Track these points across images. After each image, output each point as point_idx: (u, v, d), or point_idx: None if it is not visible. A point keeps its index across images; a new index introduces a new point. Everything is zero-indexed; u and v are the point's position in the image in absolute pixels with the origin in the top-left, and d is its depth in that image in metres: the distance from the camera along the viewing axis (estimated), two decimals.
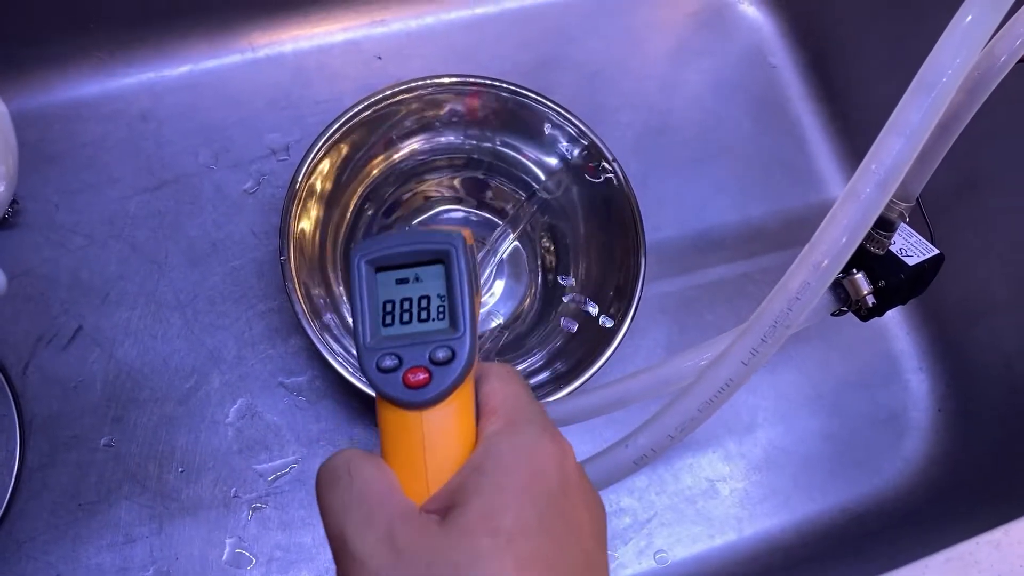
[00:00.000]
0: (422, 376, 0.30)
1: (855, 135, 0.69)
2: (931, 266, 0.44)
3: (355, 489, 0.27)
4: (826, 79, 0.70)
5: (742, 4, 0.72)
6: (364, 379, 0.51)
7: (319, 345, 0.51)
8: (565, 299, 0.59)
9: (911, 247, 0.44)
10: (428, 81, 0.57)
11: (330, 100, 0.66)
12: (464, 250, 0.32)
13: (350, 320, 0.56)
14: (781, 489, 0.61)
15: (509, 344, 0.58)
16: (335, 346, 0.53)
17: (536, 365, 0.57)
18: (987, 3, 0.31)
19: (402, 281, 0.32)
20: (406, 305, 0.32)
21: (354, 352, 0.51)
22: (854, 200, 0.31)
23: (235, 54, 0.66)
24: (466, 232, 0.33)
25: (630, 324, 0.55)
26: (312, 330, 0.52)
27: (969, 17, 0.31)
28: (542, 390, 0.52)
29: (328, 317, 0.55)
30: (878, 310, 0.43)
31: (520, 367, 0.56)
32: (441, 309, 0.32)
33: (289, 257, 0.53)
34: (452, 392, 0.30)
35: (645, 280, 0.56)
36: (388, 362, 0.30)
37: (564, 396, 0.50)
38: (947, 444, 0.62)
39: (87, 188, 0.61)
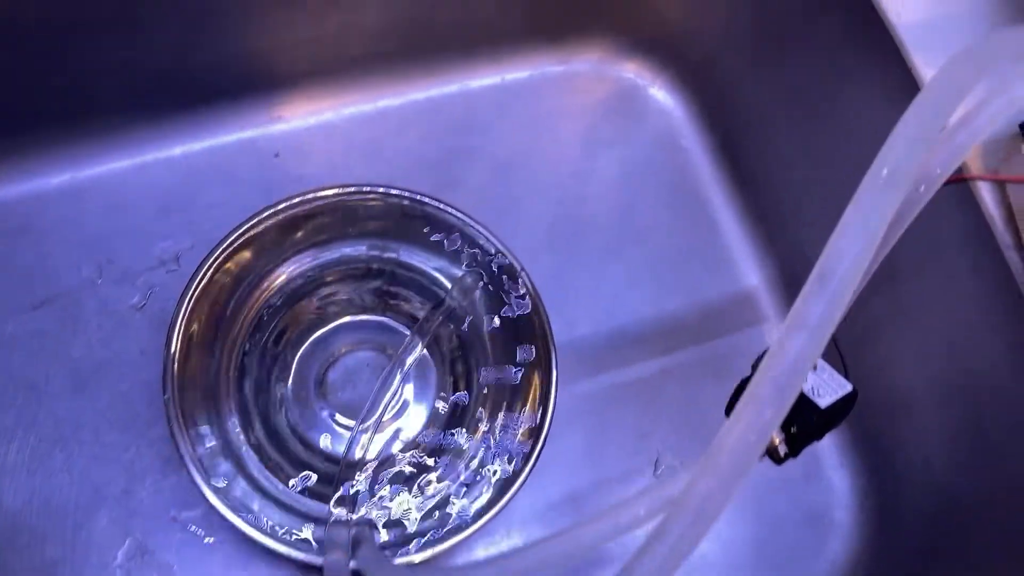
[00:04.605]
0: None
1: (768, 222, 0.68)
2: (844, 404, 0.42)
3: None
4: (737, 164, 0.69)
5: (651, 88, 0.70)
6: (247, 518, 0.49)
7: (203, 485, 0.48)
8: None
9: (823, 384, 0.42)
10: (321, 193, 0.54)
11: (225, 203, 0.62)
12: None
13: (243, 455, 0.53)
14: None
15: (406, 476, 0.55)
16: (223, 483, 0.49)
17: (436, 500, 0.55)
18: (880, 188, 0.29)
19: None
20: None
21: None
22: (755, 404, 0.29)
23: (121, 159, 0.62)
24: None
25: (539, 455, 0.53)
26: (198, 470, 0.48)
27: (864, 203, 0.29)
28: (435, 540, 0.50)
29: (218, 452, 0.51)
30: (792, 453, 0.41)
31: (419, 507, 0.54)
32: None
33: (173, 395, 0.50)
34: None
35: (559, 387, 0.55)
36: None
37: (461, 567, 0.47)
38: (871, 542, 0.61)
39: None
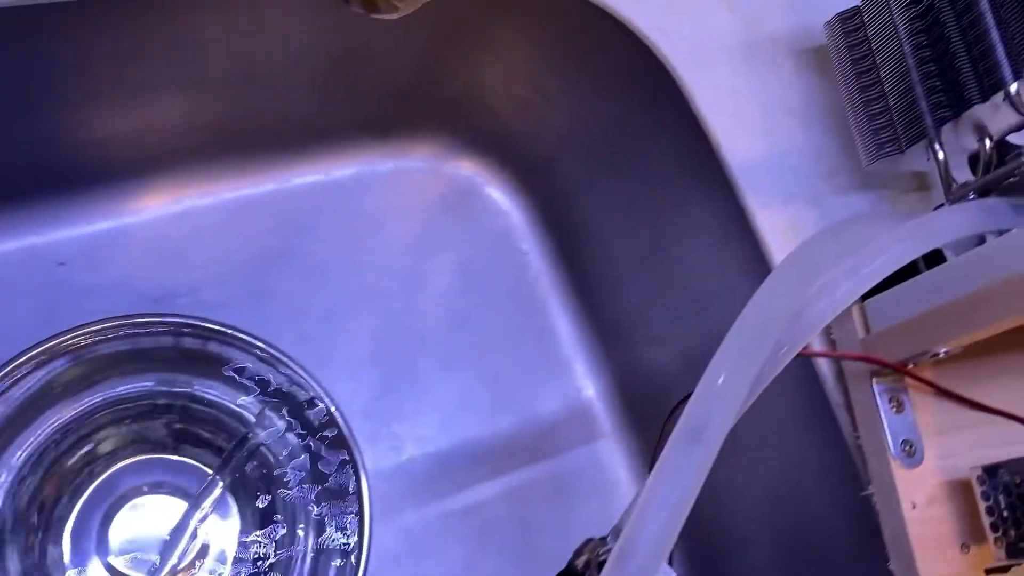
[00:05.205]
0: None
1: (606, 333, 0.65)
2: None
3: None
4: (577, 272, 0.66)
5: (488, 187, 0.66)
6: None
7: None
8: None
9: None
10: (100, 327, 0.48)
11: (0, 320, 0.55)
12: None
13: None
14: None
15: None
16: None
17: None
18: (688, 444, 0.26)
19: None
20: None
21: None
22: None
23: None
24: None
25: None
26: None
27: (670, 466, 0.26)
28: None
29: None
30: None
31: None
32: None
33: None
34: None
35: (381, 522, 0.51)
36: None
37: None
38: None
39: None
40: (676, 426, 0.28)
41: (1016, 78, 0.39)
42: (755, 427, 0.51)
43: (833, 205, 0.50)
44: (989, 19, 0.40)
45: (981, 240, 0.40)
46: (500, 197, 0.66)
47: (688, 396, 0.33)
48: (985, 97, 0.40)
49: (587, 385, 0.65)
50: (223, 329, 0.49)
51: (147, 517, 0.52)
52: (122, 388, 0.50)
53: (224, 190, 0.61)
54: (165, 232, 0.59)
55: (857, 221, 0.36)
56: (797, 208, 0.49)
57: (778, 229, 0.48)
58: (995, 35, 0.39)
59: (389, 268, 0.64)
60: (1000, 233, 0.39)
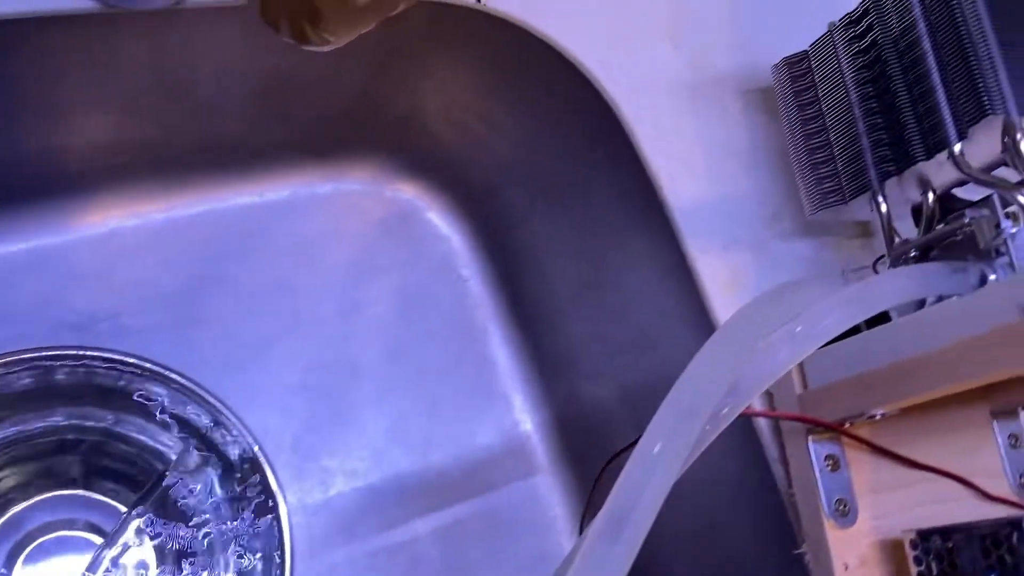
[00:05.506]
0: None
1: (546, 365, 0.63)
2: None
3: None
4: (518, 301, 0.64)
5: (429, 211, 0.64)
6: None
7: None
8: None
9: None
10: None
11: None
12: None
13: None
14: None
15: None
16: None
17: None
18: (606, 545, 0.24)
19: None
20: None
21: None
22: None
23: None
24: None
25: None
26: None
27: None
28: None
29: None
30: None
31: None
32: None
33: None
34: None
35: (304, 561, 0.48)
36: None
37: None
38: None
39: None
40: (608, 499, 0.27)
41: (960, 139, 0.38)
42: (689, 478, 0.50)
43: (776, 250, 0.49)
44: (935, 77, 0.39)
45: (922, 302, 0.39)
46: (441, 222, 0.65)
47: (631, 445, 0.32)
48: (930, 155, 0.39)
49: (525, 419, 0.64)
50: (138, 362, 0.47)
51: (57, 556, 0.50)
52: (27, 425, 0.47)
53: (152, 211, 0.58)
54: (88, 255, 0.57)
55: (799, 284, 0.35)
56: (739, 252, 0.48)
57: (719, 275, 0.47)
58: (940, 94, 0.38)
59: (324, 294, 0.62)
60: (940, 298, 0.38)
